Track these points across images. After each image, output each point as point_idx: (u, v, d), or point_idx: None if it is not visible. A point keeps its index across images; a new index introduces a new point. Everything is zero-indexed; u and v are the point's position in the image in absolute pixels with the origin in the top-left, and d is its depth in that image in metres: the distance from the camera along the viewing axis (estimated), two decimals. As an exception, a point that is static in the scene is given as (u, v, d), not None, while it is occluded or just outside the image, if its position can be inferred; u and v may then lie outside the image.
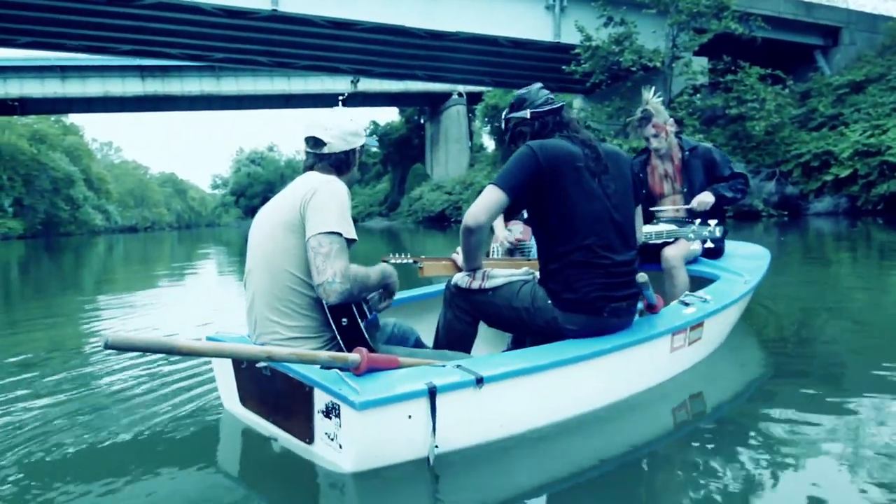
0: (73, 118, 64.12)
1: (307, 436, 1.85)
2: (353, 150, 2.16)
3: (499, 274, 2.30)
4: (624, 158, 2.33)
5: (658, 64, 19.53)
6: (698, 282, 3.22)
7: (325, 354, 1.77)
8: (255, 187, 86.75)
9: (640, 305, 2.45)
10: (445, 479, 1.72)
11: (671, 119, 3.63)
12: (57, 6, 18.26)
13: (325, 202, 1.95)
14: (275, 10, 18.35)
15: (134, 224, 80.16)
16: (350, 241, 1.97)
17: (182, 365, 3.06)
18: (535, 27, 21.51)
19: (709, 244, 3.26)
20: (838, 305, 4.46)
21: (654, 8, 18.98)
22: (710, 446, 1.99)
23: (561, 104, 2.35)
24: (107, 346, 1.44)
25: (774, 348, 3.26)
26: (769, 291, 4.06)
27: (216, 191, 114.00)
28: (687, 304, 2.63)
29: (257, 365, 1.98)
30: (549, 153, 2.14)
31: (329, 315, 1.95)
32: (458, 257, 2.62)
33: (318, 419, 1.79)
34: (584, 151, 2.18)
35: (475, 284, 2.29)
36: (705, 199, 3.46)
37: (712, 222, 3.24)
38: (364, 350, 1.80)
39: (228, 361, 2.20)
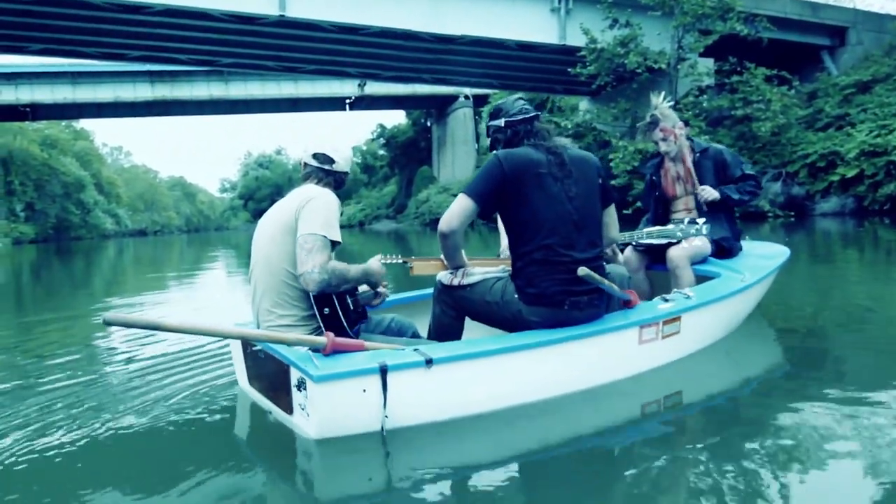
0: (83, 123, 64.65)
1: (288, 408, 2.15)
2: (348, 173, 2.54)
3: (477, 272, 2.54)
4: (591, 164, 2.47)
5: (663, 66, 19.55)
6: (703, 281, 3.28)
7: (293, 336, 2.10)
8: (263, 190, 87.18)
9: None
10: (398, 447, 1.95)
11: (680, 122, 3.70)
12: (68, 14, 18.51)
13: (317, 209, 2.28)
14: (282, 16, 18.52)
15: (144, 228, 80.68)
16: (334, 243, 2.29)
17: (206, 353, 3.42)
18: (541, 30, 21.59)
19: (697, 240, 3.33)
20: (844, 305, 4.48)
21: (660, 10, 19.02)
22: (666, 438, 2.10)
23: (534, 114, 2.51)
24: (105, 323, 1.77)
25: (776, 346, 3.33)
26: (774, 290, 4.11)
27: (224, 194, 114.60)
28: (666, 300, 2.74)
29: (254, 348, 2.36)
30: (512, 161, 2.35)
31: (314, 305, 2.26)
32: None
33: (294, 393, 2.08)
34: (549, 158, 2.38)
35: (455, 281, 2.54)
36: (710, 191, 3.55)
37: (700, 220, 3.34)
38: (331, 334, 2.08)
39: (239, 347, 2.56)
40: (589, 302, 2.39)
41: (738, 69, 19.35)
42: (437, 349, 2.16)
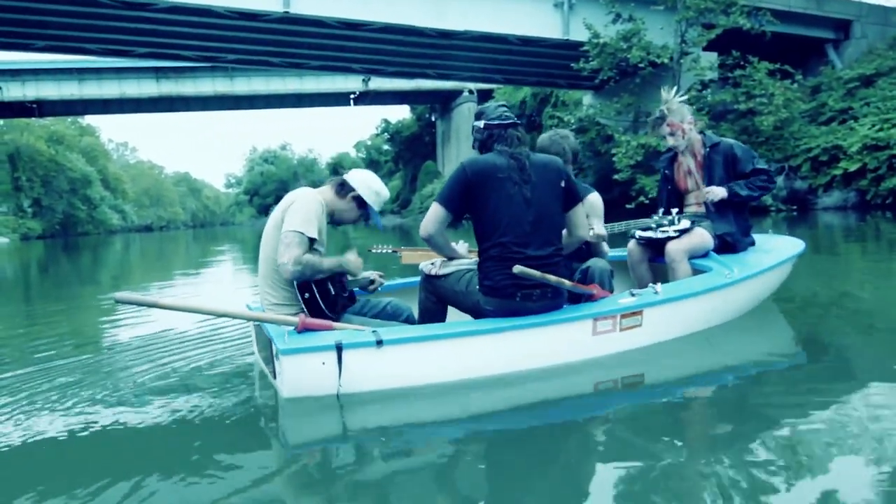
0: (89, 119, 64.95)
1: (273, 373, 2.62)
2: (359, 196, 2.87)
3: (452, 264, 2.83)
4: (553, 169, 2.67)
5: (666, 60, 19.58)
6: (697, 275, 3.37)
7: (269, 315, 2.60)
8: (268, 186, 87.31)
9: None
10: (351, 408, 2.40)
11: (690, 117, 3.70)
12: (73, 11, 18.66)
13: (297, 210, 2.66)
14: (286, 12, 18.64)
15: (150, 223, 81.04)
16: (311, 240, 2.63)
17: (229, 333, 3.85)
18: (544, 25, 21.63)
19: (696, 235, 3.42)
20: (842, 298, 4.49)
21: (662, 4, 19.04)
22: (612, 415, 2.32)
23: (511, 122, 2.71)
24: (116, 301, 2.27)
25: (768, 336, 3.36)
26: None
27: (230, 189, 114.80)
28: (633, 295, 2.91)
29: (257, 325, 2.88)
30: (475, 167, 2.63)
31: (296, 290, 2.66)
32: None
33: (275, 361, 2.52)
34: (510, 163, 2.61)
35: (433, 271, 2.83)
36: (716, 191, 3.56)
37: (674, 211, 3.44)
38: (302, 315, 2.52)
39: (252, 325, 3.10)
40: (542, 295, 2.64)
41: (741, 63, 19.34)
42: (393, 332, 2.53)
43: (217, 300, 5.99)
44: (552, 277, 2.58)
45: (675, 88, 3.85)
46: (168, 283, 8.34)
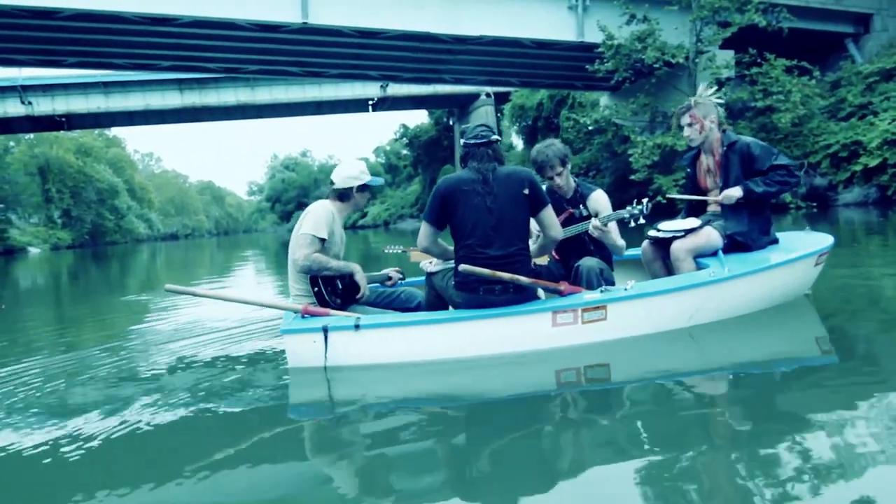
0: (115, 131, 66.48)
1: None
2: (348, 188, 3.44)
3: (441, 263, 3.36)
4: (516, 179, 3.02)
5: (681, 60, 19.57)
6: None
7: (280, 302, 3.38)
8: (289, 192, 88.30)
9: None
10: (336, 378, 2.98)
11: (713, 115, 3.70)
12: (102, 28, 19.29)
13: (308, 217, 3.30)
14: (305, 23, 19.06)
15: (175, 231, 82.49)
16: (321, 240, 3.23)
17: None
18: (559, 27, 21.75)
19: (703, 234, 3.55)
20: (860, 294, 4.40)
21: (677, 4, 19.06)
22: (563, 405, 2.56)
23: (485, 140, 3.09)
24: (166, 290, 3.18)
25: (767, 336, 3.30)
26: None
27: (252, 197, 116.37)
28: (602, 291, 3.14)
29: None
30: (446, 184, 3.13)
31: (310, 284, 3.26)
32: None
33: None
34: (475, 177, 3.06)
35: (428, 269, 3.40)
36: (731, 193, 3.57)
37: (644, 200, 3.59)
38: (305, 303, 3.20)
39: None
40: (504, 290, 3.06)
41: (758, 60, 19.27)
42: (371, 319, 3.07)
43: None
44: (504, 275, 2.98)
45: (714, 87, 3.86)
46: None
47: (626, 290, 3.15)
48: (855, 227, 10.99)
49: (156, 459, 2.19)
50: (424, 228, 3.21)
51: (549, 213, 3.14)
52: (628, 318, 3.17)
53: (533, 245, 3.32)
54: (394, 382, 2.95)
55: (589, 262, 3.30)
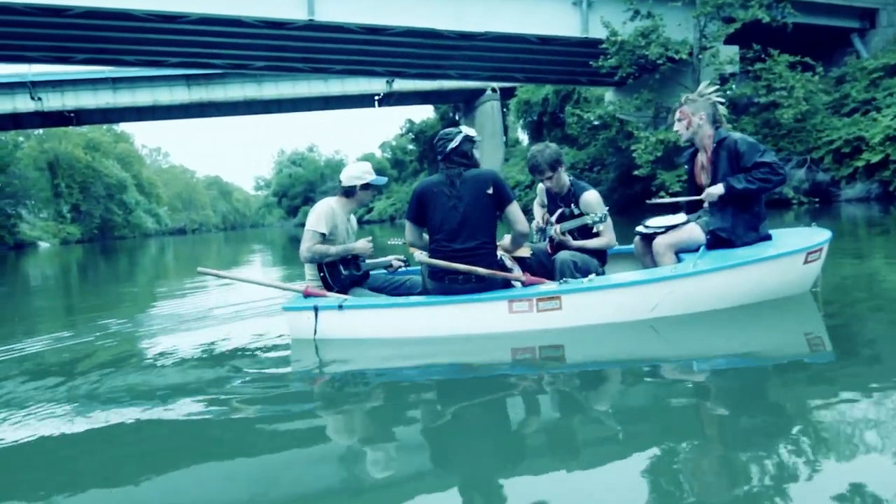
0: (123, 126, 66.85)
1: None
2: (352, 186, 3.94)
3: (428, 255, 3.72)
4: (481, 181, 3.49)
5: (685, 55, 19.63)
6: None
7: (285, 285, 4.08)
8: (296, 187, 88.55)
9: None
10: (324, 348, 3.54)
11: (703, 112, 3.76)
12: (111, 25, 19.53)
13: (311, 214, 3.89)
14: (311, 20, 19.23)
15: (183, 226, 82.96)
16: (321, 234, 3.77)
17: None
18: (563, 23, 21.83)
19: (685, 231, 3.74)
20: (848, 289, 4.37)
21: (680, 0, 19.12)
22: (518, 374, 2.97)
23: (442, 152, 3.49)
24: (198, 273, 4.09)
25: (755, 330, 3.33)
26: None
27: (259, 192, 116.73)
28: (561, 282, 3.44)
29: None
30: (421, 187, 3.64)
31: (316, 270, 3.85)
32: None
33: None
34: (443, 180, 3.53)
35: (419, 259, 3.74)
36: (713, 190, 3.63)
37: (601, 212, 3.84)
38: (307, 285, 3.83)
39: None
40: (466, 279, 3.48)
41: (762, 56, 19.31)
42: (355, 301, 3.62)
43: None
44: (462, 266, 3.42)
45: (716, 84, 3.93)
46: (202, 288, 8.92)
47: (584, 282, 3.41)
48: (857, 223, 11.05)
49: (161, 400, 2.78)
50: (407, 226, 3.70)
51: (513, 209, 3.50)
52: (584, 309, 3.41)
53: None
54: (370, 354, 3.46)
55: (563, 255, 3.62)
